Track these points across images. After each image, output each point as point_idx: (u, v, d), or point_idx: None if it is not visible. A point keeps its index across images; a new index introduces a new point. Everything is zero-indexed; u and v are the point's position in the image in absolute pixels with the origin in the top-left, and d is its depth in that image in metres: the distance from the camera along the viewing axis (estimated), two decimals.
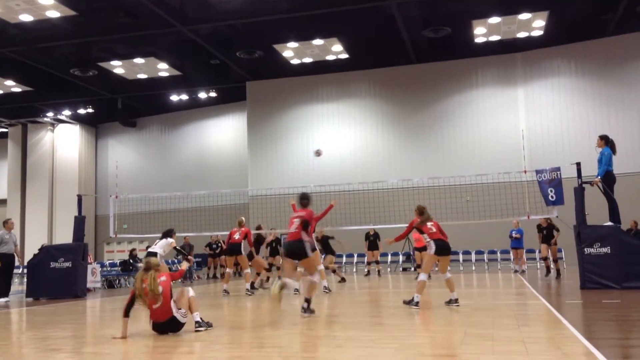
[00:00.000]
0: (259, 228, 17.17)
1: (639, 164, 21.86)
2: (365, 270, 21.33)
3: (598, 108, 23.93)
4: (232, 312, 10.23)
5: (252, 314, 9.92)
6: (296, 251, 8.71)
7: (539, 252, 18.94)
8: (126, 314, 7.09)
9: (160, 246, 12.52)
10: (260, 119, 28.21)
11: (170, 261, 23.58)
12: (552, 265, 16.77)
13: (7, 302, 13.46)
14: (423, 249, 17.31)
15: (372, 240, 20.27)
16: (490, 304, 9.98)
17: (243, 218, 14.35)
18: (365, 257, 21.43)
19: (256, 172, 27.88)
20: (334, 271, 16.73)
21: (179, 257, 20.32)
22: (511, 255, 20.50)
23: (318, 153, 21.10)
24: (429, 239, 9.38)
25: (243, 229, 13.82)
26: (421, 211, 9.71)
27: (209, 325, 7.39)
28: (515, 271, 19.17)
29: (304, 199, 9.35)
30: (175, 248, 12.85)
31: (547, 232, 16.52)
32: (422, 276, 9.45)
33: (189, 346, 6.52)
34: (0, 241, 13.76)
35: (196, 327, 7.21)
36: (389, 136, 26.88)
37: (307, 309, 8.54)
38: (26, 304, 13.01)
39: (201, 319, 7.34)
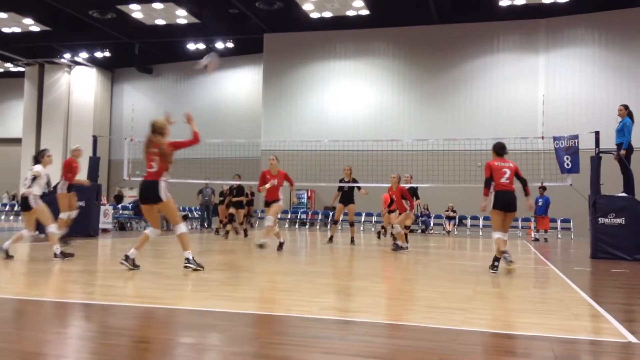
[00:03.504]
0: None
1: None
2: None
3: (619, 80, 23.54)
4: (247, 257, 10.35)
5: (263, 260, 10.02)
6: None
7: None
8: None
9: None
10: (276, 72, 28.00)
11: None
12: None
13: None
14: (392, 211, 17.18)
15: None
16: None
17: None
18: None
19: (269, 125, 27.82)
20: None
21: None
22: (533, 223, 19.99)
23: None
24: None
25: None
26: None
27: (199, 266, 7.42)
28: (536, 239, 18.92)
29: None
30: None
31: None
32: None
33: (200, 285, 6.60)
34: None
35: (185, 264, 7.39)
36: (406, 97, 26.64)
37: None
38: (39, 240, 13.20)
39: (193, 258, 7.44)
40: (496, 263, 8.22)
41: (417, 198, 14.78)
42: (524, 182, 8.48)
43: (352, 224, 14.69)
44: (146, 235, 7.61)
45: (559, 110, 24.03)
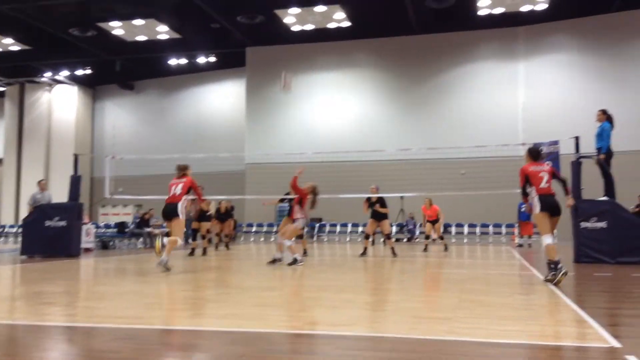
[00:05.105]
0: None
1: (634, 142, 21.89)
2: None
3: (598, 85, 23.85)
4: (231, 273, 10.28)
5: (248, 275, 9.96)
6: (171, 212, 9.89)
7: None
8: None
9: None
10: (259, 86, 28.04)
11: None
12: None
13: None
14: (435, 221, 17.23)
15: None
16: (483, 274, 10.06)
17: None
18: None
19: (253, 139, 27.81)
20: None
21: None
22: (517, 229, 20.22)
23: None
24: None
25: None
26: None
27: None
28: (520, 245, 19.07)
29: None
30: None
31: None
32: None
33: (184, 303, 6.55)
34: (33, 201, 14.77)
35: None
36: (388, 107, 26.78)
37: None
38: (20, 261, 13.03)
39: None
40: (552, 265, 7.69)
41: (385, 207, 14.51)
42: (563, 182, 8.22)
43: (300, 237, 14.59)
44: None
45: (539, 116, 24.28)
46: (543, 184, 7.85)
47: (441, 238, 17.37)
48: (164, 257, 9.62)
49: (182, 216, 9.82)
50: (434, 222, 17.31)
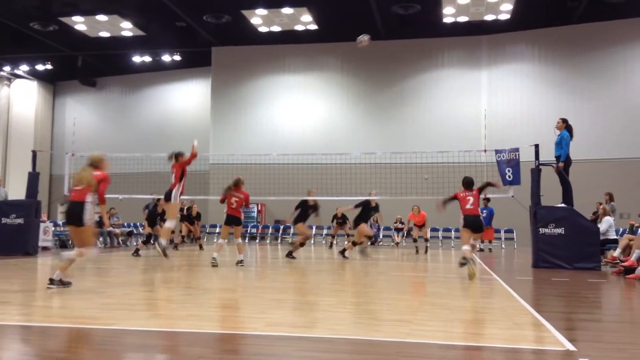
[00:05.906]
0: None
1: (592, 151, 22.46)
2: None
3: (558, 95, 24.41)
4: (193, 274, 10.17)
5: (212, 277, 9.87)
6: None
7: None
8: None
9: None
10: (225, 86, 27.84)
11: None
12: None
13: None
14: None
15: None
16: (445, 277, 10.18)
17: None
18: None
19: (218, 139, 27.61)
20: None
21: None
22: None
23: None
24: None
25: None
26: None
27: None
28: (480, 250, 19.33)
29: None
30: None
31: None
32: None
33: (144, 304, 6.45)
34: None
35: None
36: (354, 111, 26.90)
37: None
38: None
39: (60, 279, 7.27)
40: (463, 261, 9.46)
41: (378, 211, 15.70)
42: (487, 184, 10.32)
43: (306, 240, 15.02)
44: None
45: (500, 124, 24.69)
46: (469, 206, 9.75)
47: (426, 240, 18.39)
48: (162, 241, 10.84)
49: (173, 200, 11.36)
50: (421, 227, 18.48)
